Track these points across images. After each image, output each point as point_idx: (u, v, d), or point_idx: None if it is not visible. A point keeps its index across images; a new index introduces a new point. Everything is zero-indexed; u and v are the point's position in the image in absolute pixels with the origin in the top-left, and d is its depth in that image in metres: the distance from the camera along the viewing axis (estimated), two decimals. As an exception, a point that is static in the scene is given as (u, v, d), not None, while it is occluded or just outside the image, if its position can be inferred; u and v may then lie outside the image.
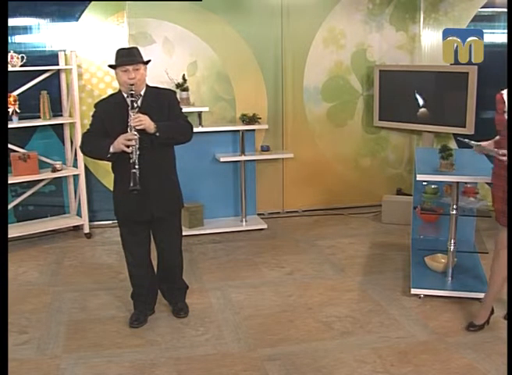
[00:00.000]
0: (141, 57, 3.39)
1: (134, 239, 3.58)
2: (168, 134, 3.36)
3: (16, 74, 4.90)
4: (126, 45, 3.54)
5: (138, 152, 3.26)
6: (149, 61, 3.45)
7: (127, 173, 3.27)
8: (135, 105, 3.32)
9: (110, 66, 3.41)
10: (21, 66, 4.93)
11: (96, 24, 5.37)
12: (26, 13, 5.17)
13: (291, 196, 6.13)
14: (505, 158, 3.29)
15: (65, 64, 5.19)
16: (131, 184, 3.24)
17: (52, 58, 5.21)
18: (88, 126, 3.53)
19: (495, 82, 5.52)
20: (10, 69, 4.79)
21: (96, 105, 3.50)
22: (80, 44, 5.35)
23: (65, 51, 5.22)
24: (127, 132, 3.28)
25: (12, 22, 5.09)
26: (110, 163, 3.50)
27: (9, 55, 4.84)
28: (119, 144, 3.27)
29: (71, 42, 5.30)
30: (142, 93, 3.40)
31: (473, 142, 3.55)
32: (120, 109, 3.34)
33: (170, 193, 3.55)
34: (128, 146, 3.25)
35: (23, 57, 4.94)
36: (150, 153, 3.35)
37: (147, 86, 3.46)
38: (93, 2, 5.31)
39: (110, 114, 3.39)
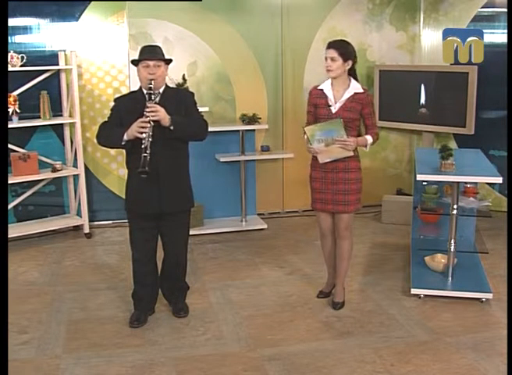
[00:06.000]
0: (163, 55, 3.47)
1: (142, 235, 3.59)
2: (182, 129, 3.40)
3: (16, 74, 4.91)
4: (152, 43, 3.77)
5: (151, 139, 3.28)
6: (171, 60, 3.52)
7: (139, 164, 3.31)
8: (153, 97, 3.38)
9: (132, 62, 3.48)
10: (21, 66, 4.93)
11: (96, 24, 5.37)
12: (26, 13, 5.17)
13: (291, 196, 6.12)
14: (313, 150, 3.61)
15: (65, 64, 5.19)
16: (140, 167, 3.24)
17: (52, 58, 5.22)
18: (106, 119, 3.57)
19: (495, 82, 5.57)
20: (10, 69, 4.78)
21: (115, 100, 3.61)
22: (80, 44, 5.35)
23: (65, 51, 5.22)
24: None
25: (12, 22, 5.09)
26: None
27: (9, 55, 4.84)
28: (132, 131, 3.32)
29: (71, 42, 5.30)
30: (161, 91, 3.47)
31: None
32: (139, 104, 3.40)
33: (181, 190, 3.57)
34: (141, 133, 3.29)
35: (23, 57, 4.94)
36: (164, 147, 3.38)
37: (166, 85, 3.53)
38: (93, 2, 5.31)
39: (128, 108, 3.45)
